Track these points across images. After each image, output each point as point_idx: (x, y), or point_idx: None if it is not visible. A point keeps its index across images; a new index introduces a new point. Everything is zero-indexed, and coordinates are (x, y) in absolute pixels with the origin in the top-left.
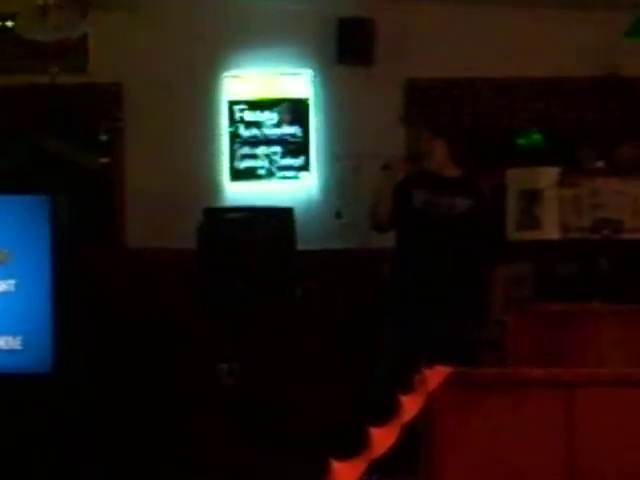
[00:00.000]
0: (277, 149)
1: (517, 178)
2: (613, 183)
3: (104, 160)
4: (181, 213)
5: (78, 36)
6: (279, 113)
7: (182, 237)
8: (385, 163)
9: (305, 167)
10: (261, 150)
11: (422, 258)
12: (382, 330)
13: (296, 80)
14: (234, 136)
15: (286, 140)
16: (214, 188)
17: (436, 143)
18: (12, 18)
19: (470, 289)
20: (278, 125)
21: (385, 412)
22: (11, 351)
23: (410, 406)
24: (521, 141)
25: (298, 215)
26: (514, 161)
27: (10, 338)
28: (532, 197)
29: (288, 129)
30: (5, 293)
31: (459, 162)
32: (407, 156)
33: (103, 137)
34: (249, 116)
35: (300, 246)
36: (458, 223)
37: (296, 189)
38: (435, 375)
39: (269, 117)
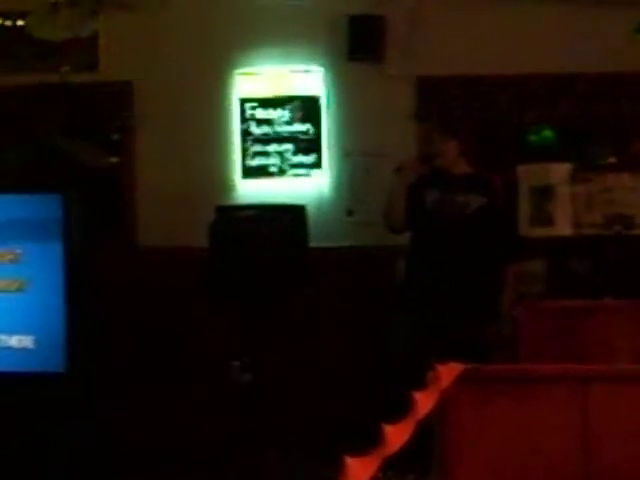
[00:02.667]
0: (289, 147)
1: (529, 175)
2: (625, 179)
3: (115, 159)
4: (193, 211)
5: (89, 35)
6: (291, 111)
7: (194, 235)
8: (398, 166)
9: (317, 164)
10: (273, 148)
11: (435, 256)
12: (392, 327)
13: (307, 77)
14: (246, 134)
15: (298, 137)
16: (226, 186)
17: (448, 142)
18: (23, 17)
19: (483, 286)
20: (290, 122)
21: (398, 408)
22: (24, 350)
23: (424, 403)
24: (532, 138)
25: (310, 212)
26: (525, 158)
27: (23, 337)
28: (544, 193)
29: (300, 126)
30: (17, 292)
31: (471, 159)
32: (419, 156)
33: (114, 136)
34: (261, 114)
35: (312, 243)
36: (471, 221)
37: (308, 186)
38: (448, 372)
39: (280, 114)
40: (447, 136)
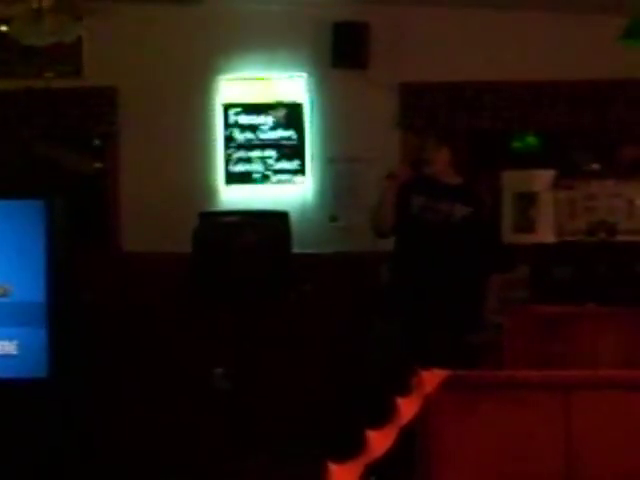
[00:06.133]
0: (272, 153)
1: (512, 181)
2: (608, 186)
3: (99, 164)
4: (176, 217)
5: (73, 40)
6: (274, 117)
7: (177, 241)
8: (390, 172)
9: (300, 171)
10: (256, 154)
11: (419, 262)
12: (376, 332)
13: (291, 84)
14: (229, 140)
15: (281, 144)
16: (209, 192)
17: (440, 150)
18: (6, 23)
19: (466, 293)
20: (273, 129)
21: (381, 414)
22: (6, 356)
23: (407, 409)
24: (516, 144)
25: (293, 219)
26: (509, 164)
27: (6, 343)
28: (527, 200)
29: (283, 133)
30: (0, 297)
31: (460, 169)
32: (410, 163)
33: (98, 141)
34: (244, 120)
35: (295, 249)
36: (455, 229)
37: (291, 193)
38: (432, 378)
39: (264, 121)
40: (441, 146)
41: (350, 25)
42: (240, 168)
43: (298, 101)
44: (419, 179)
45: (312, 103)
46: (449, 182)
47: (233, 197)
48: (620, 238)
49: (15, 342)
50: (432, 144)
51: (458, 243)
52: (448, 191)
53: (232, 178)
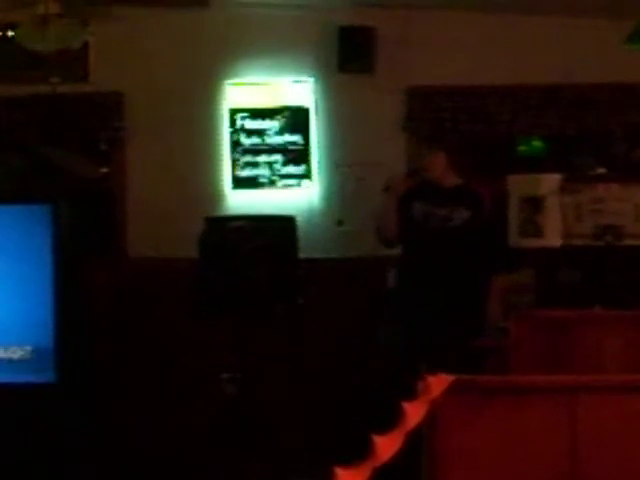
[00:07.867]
0: (278, 157)
1: (518, 185)
2: (614, 189)
3: (105, 169)
4: (182, 222)
5: (79, 46)
6: (280, 121)
7: (184, 246)
8: (386, 185)
9: (307, 175)
10: (263, 158)
11: (423, 267)
12: (382, 337)
13: (297, 88)
14: (235, 144)
15: (287, 148)
16: (216, 196)
17: (436, 156)
18: (13, 28)
19: (470, 297)
20: (279, 133)
21: (387, 419)
22: (15, 362)
23: (413, 413)
24: (522, 148)
25: (300, 223)
26: (515, 168)
27: (14, 348)
28: (534, 204)
29: (289, 137)
30: (7, 303)
31: (459, 170)
32: (407, 172)
33: (104, 146)
34: (250, 124)
35: (302, 254)
36: (455, 234)
37: (298, 197)
38: (438, 382)
39: (270, 125)
40: (435, 151)
41: (356, 29)
42: (247, 173)
43: (304, 106)
44: (420, 185)
45: (318, 107)
46: (449, 185)
47: (240, 202)
48: (627, 242)
49: (22, 348)
50: (427, 149)
51: (459, 247)
52: (447, 195)
53: (239, 183)
